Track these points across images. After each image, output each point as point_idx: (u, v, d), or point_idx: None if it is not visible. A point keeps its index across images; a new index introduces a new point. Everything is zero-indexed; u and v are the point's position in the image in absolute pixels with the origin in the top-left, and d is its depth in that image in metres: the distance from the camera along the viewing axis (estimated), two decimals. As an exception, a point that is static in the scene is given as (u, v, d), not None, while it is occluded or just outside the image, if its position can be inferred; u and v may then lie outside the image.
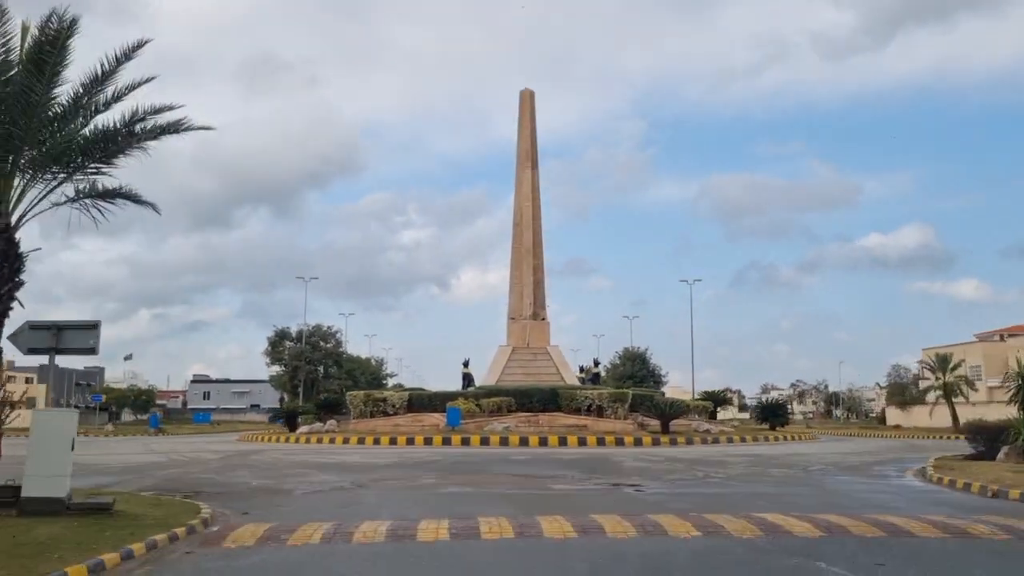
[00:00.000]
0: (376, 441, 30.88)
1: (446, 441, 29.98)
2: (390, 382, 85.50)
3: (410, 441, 30.42)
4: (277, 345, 72.99)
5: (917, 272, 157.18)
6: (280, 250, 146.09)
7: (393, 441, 30.65)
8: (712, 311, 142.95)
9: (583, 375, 43.17)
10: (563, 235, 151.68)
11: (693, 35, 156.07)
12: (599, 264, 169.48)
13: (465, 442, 29.69)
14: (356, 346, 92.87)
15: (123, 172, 11.76)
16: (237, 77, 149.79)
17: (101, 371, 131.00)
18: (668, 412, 33.56)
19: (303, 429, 35.66)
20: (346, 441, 31.54)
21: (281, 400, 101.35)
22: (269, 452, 26.68)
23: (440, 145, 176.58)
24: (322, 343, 74.62)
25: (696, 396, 52.04)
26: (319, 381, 72.20)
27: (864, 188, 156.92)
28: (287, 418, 39.54)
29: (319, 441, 32.11)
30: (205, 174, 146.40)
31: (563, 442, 29.38)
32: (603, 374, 44.79)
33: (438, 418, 35.89)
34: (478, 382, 42.02)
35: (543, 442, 29.36)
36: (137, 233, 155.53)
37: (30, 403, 58.85)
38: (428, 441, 30.24)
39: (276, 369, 74.31)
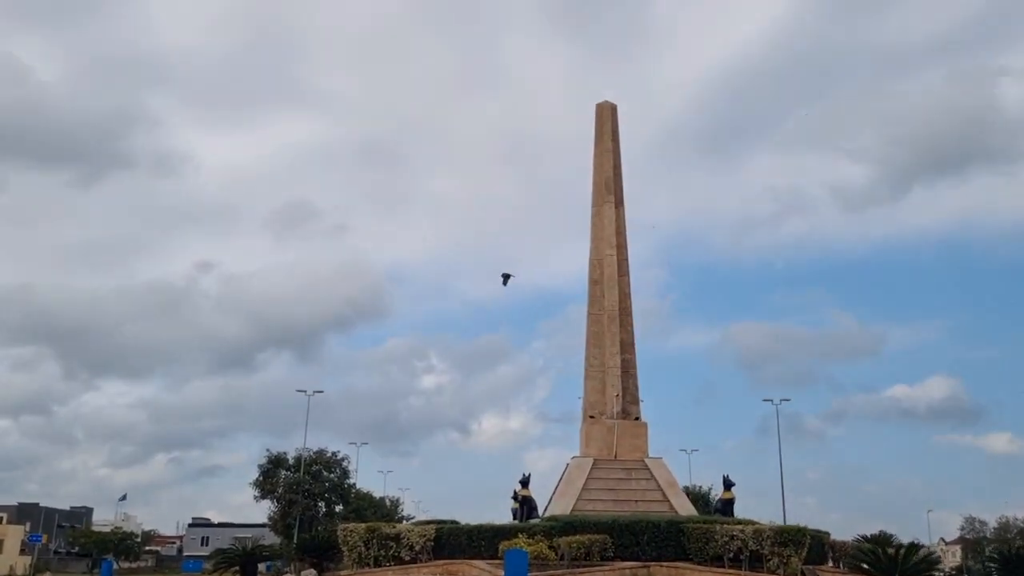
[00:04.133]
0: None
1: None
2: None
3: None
4: (271, 475, 58.39)
5: (946, 424, 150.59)
6: (299, 395, 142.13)
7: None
8: (739, 460, 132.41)
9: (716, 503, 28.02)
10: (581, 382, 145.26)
11: (712, 186, 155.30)
12: None
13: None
14: (368, 482, 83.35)
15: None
16: (268, 224, 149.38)
17: (89, 512, 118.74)
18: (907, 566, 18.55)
19: None
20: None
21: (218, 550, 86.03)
22: None
23: (464, 290, 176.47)
24: (325, 472, 59.97)
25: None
26: (319, 520, 57.09)
27: (888, 338, 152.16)
28: (242, 566, 24.58)
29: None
30: (231, 317, 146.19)
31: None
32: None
33: (483, 569, 21.46)
34: (543, 510, 27.56)
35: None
36: (159, 376, 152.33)
37: None
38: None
39: (268, 506, 59.36)
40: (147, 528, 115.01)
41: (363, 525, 25.15)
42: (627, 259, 31.91)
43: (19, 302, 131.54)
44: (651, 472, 28.16)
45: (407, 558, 23.85)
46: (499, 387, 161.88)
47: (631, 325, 31.12)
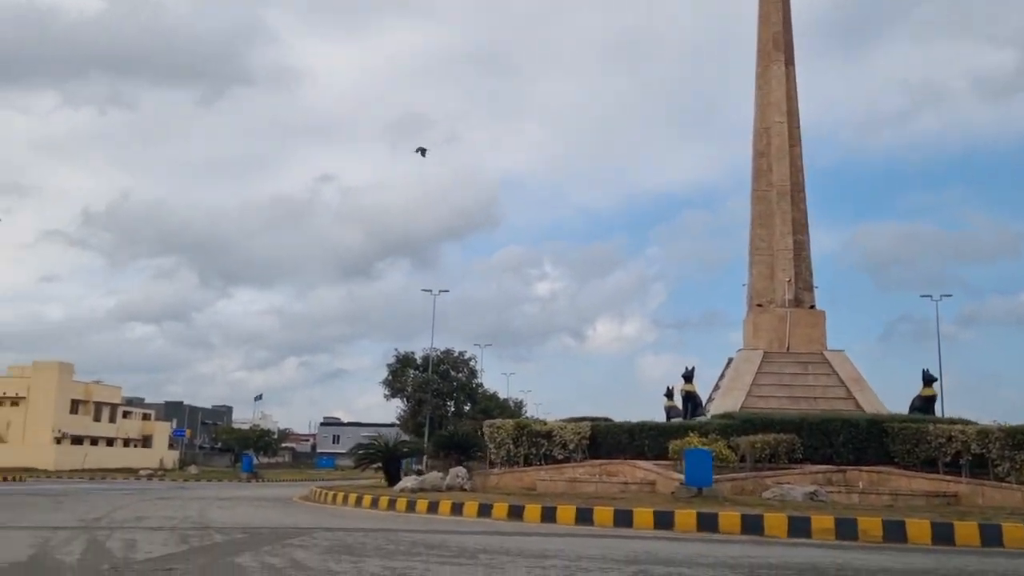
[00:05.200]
0: (549, 515, 14.10)
1: (706, 522, 12.92)
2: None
3: (622, 519, 13.55)
4: (399, 374, 57.92)
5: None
6: (418, 302, 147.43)
7: (584, 516, 13.80)
8: (864, 367, 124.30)
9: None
10: (700, 288, 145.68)
11: (840, 80, 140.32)
12: (734, 318, 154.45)
13: (753, 526, 12.54)
14: (490, 384, 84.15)
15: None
16: (384, 135, 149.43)
17: (229, 410, 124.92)
18: None
19: (408, 483, 19.12)
20: (485, 511, 14.87)
21: (358, 444, 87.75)
22: (317, 535, 10.93)
23: (577, 197, 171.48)
24: (453, 372, 59.06)
25: None
26: (447, 419, 56.49)
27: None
28: (385, 463, 22.94)
29: (431, 510, 15.61)
30: (350, 227, 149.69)
31: (944, 534, 11.59)
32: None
33: (649, 470, 18.84)
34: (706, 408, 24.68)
35: (895, 531, 11.81)
36: (287, 284, 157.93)
37: (147, 441, 44.52)
38: (664, 521, 13.26)
39: (398, 405, 59.25)
40: (282, 427, 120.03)
41: (511, 421, 23.06)
42: (799, 127, 27.68)
43: (157, 216, 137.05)
44: (831, 366, 24.68)
45: (560, 457, 21.60)
46: (613, 294, 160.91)
47: (804, 202, 27.14)
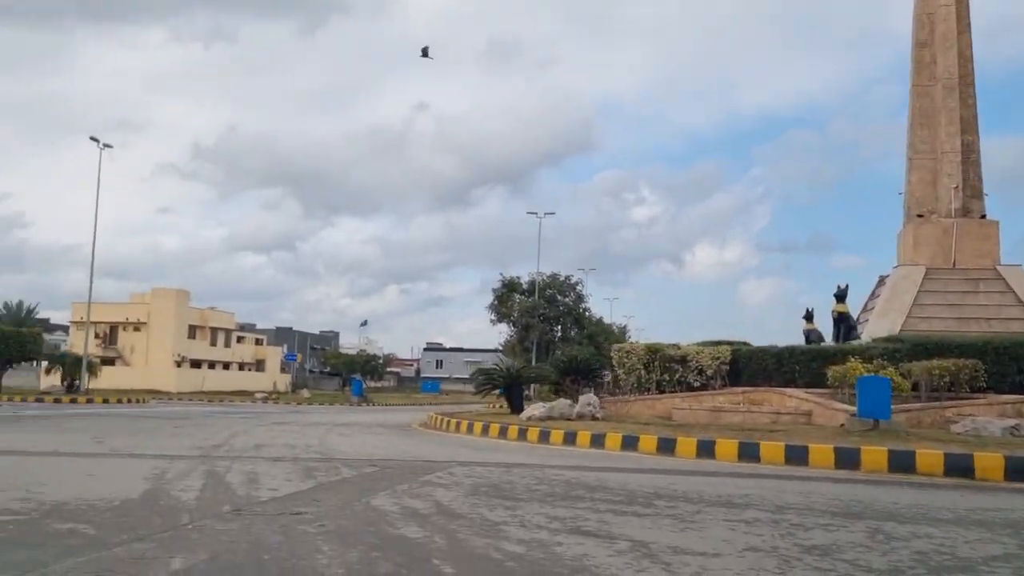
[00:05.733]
0: (706, 450, 12.36)
1: (899, 461, 10.93)
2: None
3: (795, 455, 11.69)
4: (505, 299, 56.88)
5: None
6: (515, 228, 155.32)
7: (749, 452, 12.00)
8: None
9: None
10: (806, 210, 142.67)
11: None
12: (844, 241, 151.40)
13: (959, 467, 10.48)
14: (592, 309, 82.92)
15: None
16: (478, 61, 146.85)
17: (336, 335, 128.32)
18: None
19: (536, 410, 17.66)
20: (630, 444, 13.25)
21: (479, 369, 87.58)
22: (454, 470, 9.55)
23: (676, 119, 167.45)
24: (559, 296, 57.55)
25: None
26: (555, 344, 55.35)
27: None
28: (507, 389, 21.59)
29: (568, 441, 14.08)
30: (447, 156, 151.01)
31: None
32: None
33: (804, 399, 16.80)
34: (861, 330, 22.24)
35: None
36: (387, 213, 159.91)
37: (260, 366, 45.52)
38: (848, 459, 11.33)
39: (503, 330, 58.42)
40: (386, 352, 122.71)
41: (642, 345, 21.29)
42: (968, 9, 24.01)
43: (262, 148, 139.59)
44: (1007, 283, 21.74)
45: (696, 384, 19.75)
46: (713, 217, 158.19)
47: (973, 98, 23.70)
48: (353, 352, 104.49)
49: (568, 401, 17.80)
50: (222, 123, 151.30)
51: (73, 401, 33.42)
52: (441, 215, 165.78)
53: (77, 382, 40.19)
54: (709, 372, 19.57)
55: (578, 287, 58.07)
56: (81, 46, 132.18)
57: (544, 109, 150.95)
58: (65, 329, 74.95)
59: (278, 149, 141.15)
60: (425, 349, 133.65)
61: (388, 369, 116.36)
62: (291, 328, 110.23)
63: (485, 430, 16.06)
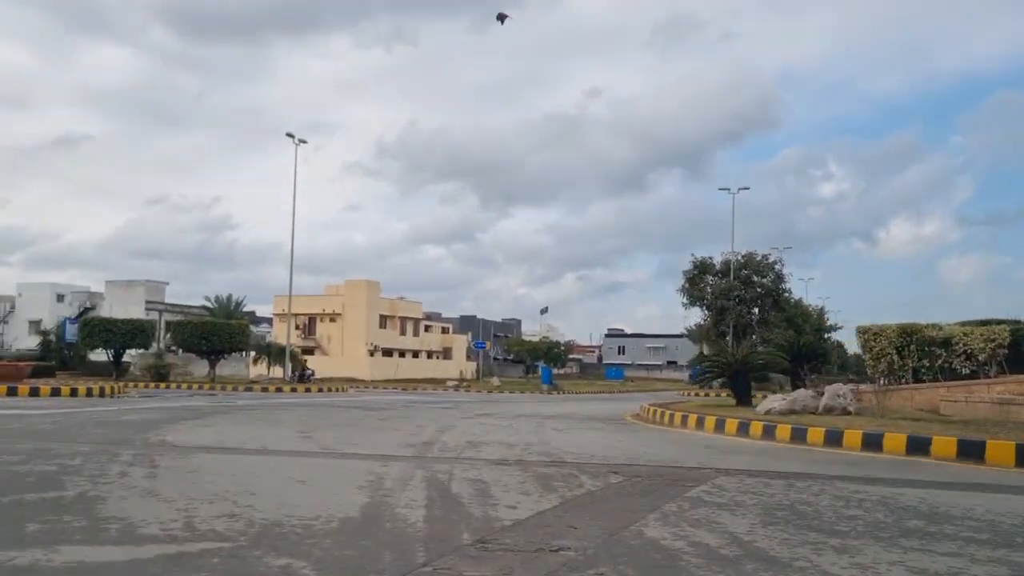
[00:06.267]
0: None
1: None
2: (834, 337, 62.14)
3: None
4: (697, 281, 53.79)
5: None
6: (693, 210, 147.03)
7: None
8: None
9: None
10: (1017, 178, 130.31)
11: None
12: None
13: None
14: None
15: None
16: (652, 43, 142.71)
17: (518, 323, 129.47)
18: None
19: (774, 403, 15.13)
20: (918, 447, 10.70)
21: (701, 354, 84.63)
22: (721, 482, 7.63)
23: (866, 88, 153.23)
24: (756, 277, 53.67)
25: None
26: (752, 328, 51.70)
27: None
28: (733, 377, 19.10)
29: (831, 441, 11.67)
30: (621, 140, 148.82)
31: None
32: None
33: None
34: None
35: None
36: (562, 201, 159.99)
37: (447, 353, 46.16)
38: None
39: (695, 314, 55.39)
40: (566, 339, 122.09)
41: (893, 326, 18.24)
42: None
43: (441, 144, 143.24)
44: None
45: (964, 371, 16.57)
46: (909, 191, 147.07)
47: None
48: (536, 339, 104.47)
49: (811, 392, 15.29)
50: (403, 122, 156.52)
51: (293, 390, 34.46)
52: (616, 200, 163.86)
53: (309, 372, 41.54)
54: (981, 357, 16.34)
55: (776, 266, 53.91)
56: (277, 57, 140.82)
57: (721, 86, 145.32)
58: (269, 321, 79.58)
59: (456, 143, 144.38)
60: (606, 335, 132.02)
61: (570, 356, 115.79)
62: (475, 316, 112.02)
63: (720, 426, 13.93)
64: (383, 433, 13.15)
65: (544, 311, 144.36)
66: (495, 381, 48.92)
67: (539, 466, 8.95)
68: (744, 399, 18.02)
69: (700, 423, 14.49)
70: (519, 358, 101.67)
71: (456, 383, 49.39)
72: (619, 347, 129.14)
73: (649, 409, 17.92)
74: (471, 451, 10.40)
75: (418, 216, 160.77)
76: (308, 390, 35.40)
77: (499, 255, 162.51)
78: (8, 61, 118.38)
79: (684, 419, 15.20)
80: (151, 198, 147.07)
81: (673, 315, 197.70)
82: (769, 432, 12.73)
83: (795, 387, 20.02)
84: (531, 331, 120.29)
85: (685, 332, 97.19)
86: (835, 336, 66.89)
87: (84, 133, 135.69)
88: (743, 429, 13.28)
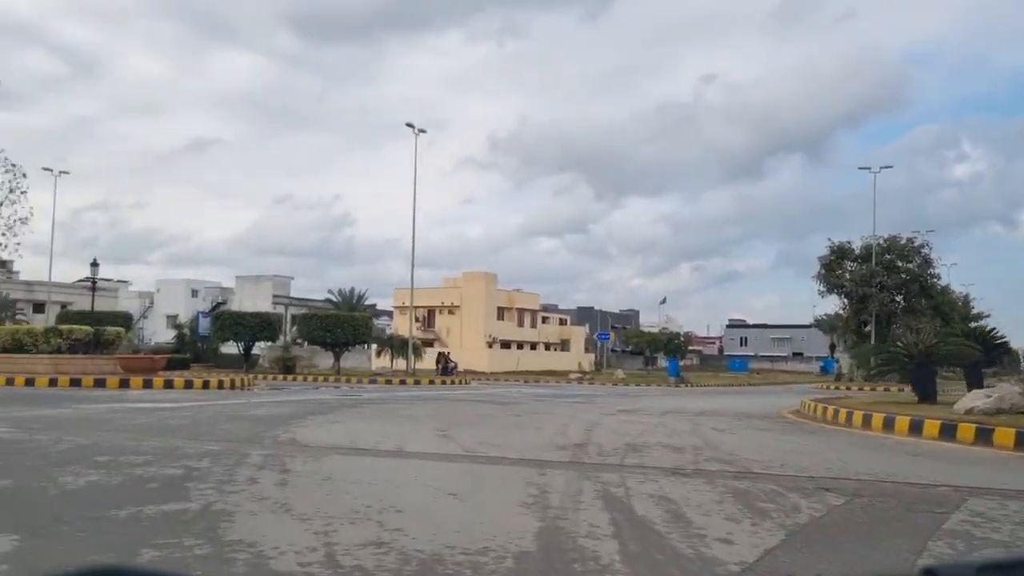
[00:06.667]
0: None
1: None
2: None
3: None
4: (834, 267, 50.43)
5: None
6: (813, 197, 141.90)
7: None
8: None
9: None
10: None
11: None
12: None
13: None
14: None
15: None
16: (766, 25, 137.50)
17: (636, 314, 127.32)
18: None
19: (976, 401, 12.80)
20: None
21: (832, 346, 79.70)
22: (990, 514, 5.95)
23: (1004, 61, 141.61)
24: (900, 263, 49.80)
25: None
26: (896, 317, 47.91)
27: None
28: (916, 370, 16.62)
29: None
30: (737, 126, 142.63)
31: None
32: None
33: None
34: None
35: None
36: (676, 191, 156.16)
37: (565, 345, 45.35)
38: None
39: (828, 303, 51.98)
40: (685, 329, 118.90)
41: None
42: None
43: (553, 136, 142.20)
44: None
45: None
46: None
47: None
48: (655, 330, 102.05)
49: (1017, 388, 13.05)
50: (515, 115, 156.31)
51: (431, 382, 34.09)
52: (732, 188, 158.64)
53: (452, 364, 41.01)
54: None
55: (923, 250, 49.83)
56: (391, 56, 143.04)
57: (842, 67, 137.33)
58: (388, 315, 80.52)
59: (568, 135, 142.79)
60: (728, 326, 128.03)
61: (689, 348, 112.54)
62: (592, 308, 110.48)
63: (916, 428, 11.91)
64: (525, 432, 11.92)
65: (663, 302, 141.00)
66: (619, 374, 47.26)
67: (726, 478, 7.45)
68: (928, 395, 15.78)
69: (889, 424, 12.49)
70: (638, 350, 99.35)
71: (579, 376, 48.05)
72: (741, 338, 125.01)
73: (813, 405, 15.99)
74: (634, 456, 9.00)
75: (531, 209, 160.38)
76: (431, 382, 34.85)
77: (613, 246, 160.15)
78: (146, 72, 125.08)
79: (867, 419, 13.21)
80: (276, 197, 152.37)
81: (794, 304, 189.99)
82: (984, 436, 10.69)
83: (970, 382, 17.60)
84: (648, 322, 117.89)
85: (814, 322, 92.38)
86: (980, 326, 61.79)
87: (215, 137, 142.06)
88: (948, 432, 11.26)
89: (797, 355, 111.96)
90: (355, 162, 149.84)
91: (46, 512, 5.64)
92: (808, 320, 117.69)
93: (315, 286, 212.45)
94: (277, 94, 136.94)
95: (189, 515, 5.46)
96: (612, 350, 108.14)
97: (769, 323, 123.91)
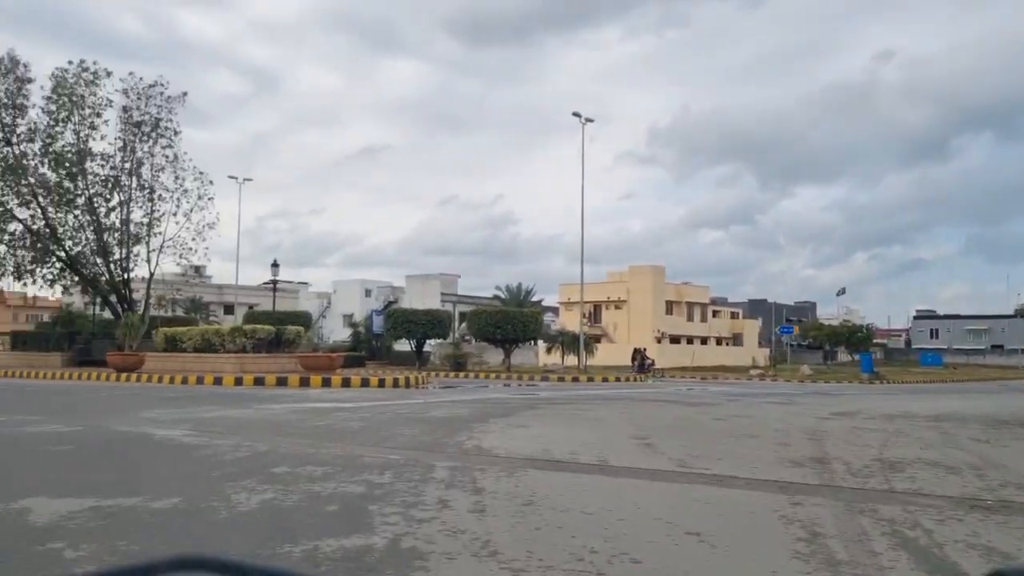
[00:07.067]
0: None
1: None
2: None
3: None
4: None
5: None
6: (1008, 176, 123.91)
7: None
8: None
9: None
10: None
11: None
12: None
13: None
14: None
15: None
16: None
17: (812, 306, 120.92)
18: None
19: None
20: None
21: None
22: None
23: None
24: None
25: None
26: None
27: None
28: None
29: None
30: (918, 105, 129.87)
31: None
32: None
33: None
34: None
35: None
36: (849, 176, 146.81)
37: (737, 340, 43.60)
38: None
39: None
40: (866, 321, 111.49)
41: None
42: None
43: (715, 124, 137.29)
44: None
45: None
46: None
47: None
48: (835, 323, 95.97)
49: None
50: (675, 106, 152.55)
51: (604, 380, 32.95)
52: (913, 171, 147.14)
53: (649, 362, 39.19)
54: None
55: None
56: (549, 55, 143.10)
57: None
58: (553, 311, 79.90)
59: (731, 124, 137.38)
60: (916, 317, 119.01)
61: (873, 341, 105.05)
62: (765, 300, 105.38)
63: None
64: (740, 441, 10.27)
65: (841, 292, 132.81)
66: (805, 369, 43.90)
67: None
68: None
69: None
70: (816, 343, 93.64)
71: (760, 372, 45.11)
72: (931, 330, 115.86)
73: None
74: (899, 478, 7.20)
75: (694, 201, 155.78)
76: (605, 379, 33.44)
77: (781, 236, 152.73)
78: (320, 84, 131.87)
79: None
80: (442, 199, 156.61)
81: (988, 294, 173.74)
82: None
83: None
84: (825, 314, 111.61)
85: (1017, 312, 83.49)
86: None
87: (384, 143, 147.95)
88: None
89: (996, 348, 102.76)
90: (516, 161, 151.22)
91: (213, 541, 4.75)
92: (1010, 310, 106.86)
93: (478, 284, 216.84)
94: (440, 98, 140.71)
95: (374, 555, 4.37)
96: (788, 344, 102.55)
97: (962, 313, 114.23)
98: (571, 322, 66.78)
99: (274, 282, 39.50)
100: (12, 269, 32.16)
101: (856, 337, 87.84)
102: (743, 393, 24.51)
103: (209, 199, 32.65)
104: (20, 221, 32.29)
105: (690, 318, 76.64)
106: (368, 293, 74.36)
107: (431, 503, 5.84)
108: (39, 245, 32.39)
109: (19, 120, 31.51)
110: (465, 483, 6.70)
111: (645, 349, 42.90)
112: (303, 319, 42.42)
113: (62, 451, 8.84)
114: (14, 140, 31.47)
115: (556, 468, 7.70)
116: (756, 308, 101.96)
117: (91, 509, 5.55)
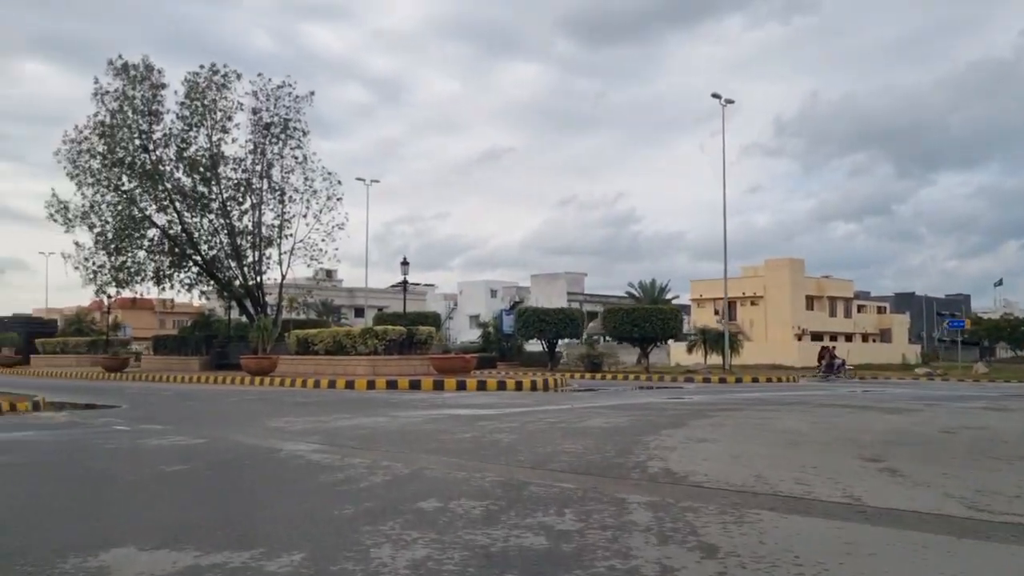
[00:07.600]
0: None
1: None
2: None
3: None
4: None
5: None
6: None
7: None
8: None
9: None
10: None
11: None
12: None
13: None
14: None
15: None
16: None
17: (966, 299, 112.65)
18: None
19: None
20: None
21: None
22: None
23: None
24: None
25: None
26: None
27: None
28: None
29: None
30: None
31: None
32: None
33: None
34: None
35: None
36: (997, 160, 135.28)
37: (884, 336, 40.06)
38: None
39: None
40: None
41: None
42: None
43: (846, 112, 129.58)
44: None
45: None
46: None
47: None
48: (995, 316, 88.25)
49: None
50: (803, 95, 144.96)
51: (754, 381, 30.31)
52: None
53: (839, 361, 35.17)
54: None
55: None
56: (668, 50, 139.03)
57: None
58: (684, 308, 76.75)
59: (863, 110, 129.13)
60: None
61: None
62: (913, 293, 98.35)
63: None
64: (1014, 466, 7.87)
65: (998, 283, 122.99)
66: (980, 368, 39.46)
67: None
68: None
69: None
70: (973, 339, 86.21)
71: (927, 372, 40.90)
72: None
73: None
74: None
75: (824, 192, 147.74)
76: (755, 380, 30.68)
77: (922, 226, 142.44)
78: (443, 91, 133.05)
79: None
80: (563, 198, 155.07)
81: None
82: None
83: None
84: (979, 307, 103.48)
85: None
86: None
87: (505, 146, 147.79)
88: None
89: None
90: (637, 159, 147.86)
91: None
92: None
93: (602, 283, 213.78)
94: (559, 99, 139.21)
95: None
96: (940, 340, 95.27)
97: None
98: (703, 319, 63.62)
99: (404, 281, 38.83)
100: (152, 274, 32.65)
101: (1020, 332, 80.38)
102: (929, 396, 21.41)
103: (338, 199, 32.21)
104: (158, 227, 32.75)
105: (832, 314, 71.88)
106: (494, 294, 73.59)
107: (651, 573, 3.98)
108: (176, 250, 32.75)
109: (155, 127, 31.91)
110: (683, 533, 4.80)
111: (834, 347, 38.57)
112: (433, 320, 41.62)
113: (175, 472, 7.57)
114: (151, 146, 31.89)
115: (793, 509, 5.66)
116: (902, 302, 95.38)
117: (187, 571, 4.02)
